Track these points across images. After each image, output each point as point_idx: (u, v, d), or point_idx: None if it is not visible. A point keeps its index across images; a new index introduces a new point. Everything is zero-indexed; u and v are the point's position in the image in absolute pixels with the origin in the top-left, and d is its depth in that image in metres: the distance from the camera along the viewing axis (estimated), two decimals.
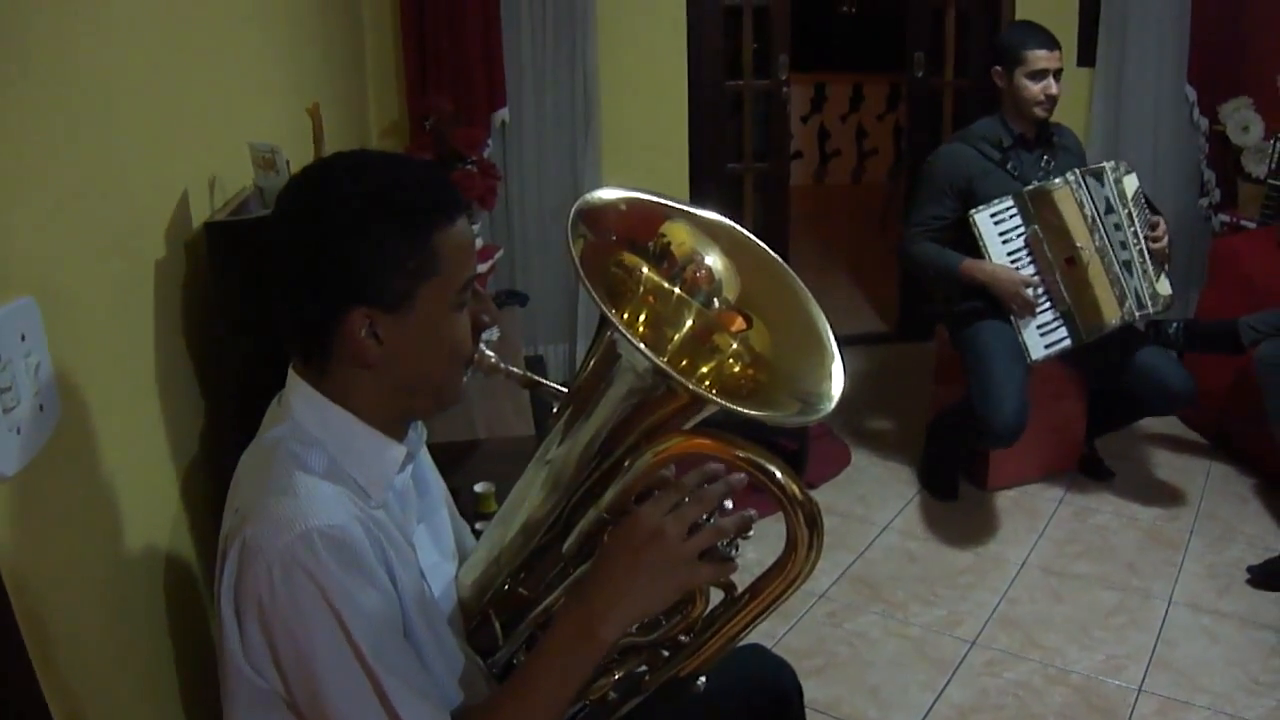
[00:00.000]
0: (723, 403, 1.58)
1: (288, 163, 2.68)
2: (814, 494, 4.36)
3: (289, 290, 1.67)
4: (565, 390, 1.78)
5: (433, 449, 2.08)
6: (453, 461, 3.02)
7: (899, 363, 6.90)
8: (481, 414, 3.19)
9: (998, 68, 4.75)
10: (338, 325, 1.63)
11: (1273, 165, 5.75)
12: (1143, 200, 4.66)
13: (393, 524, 1.74)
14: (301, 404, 1.71)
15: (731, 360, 1.82)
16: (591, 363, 1.69)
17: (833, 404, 1.67)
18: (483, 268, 4.68)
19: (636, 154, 6.10)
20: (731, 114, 6.78)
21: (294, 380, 1.74)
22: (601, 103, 5.91)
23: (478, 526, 2.08)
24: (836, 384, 1.70)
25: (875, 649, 3.99)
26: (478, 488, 2.92)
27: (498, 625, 1.95)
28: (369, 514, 1.67)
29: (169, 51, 2.39)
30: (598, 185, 5.55)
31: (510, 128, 5.80)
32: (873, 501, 5.10)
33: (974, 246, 4.54)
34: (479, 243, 4.78)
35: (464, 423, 3.14)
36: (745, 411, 1.60)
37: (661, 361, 1.55)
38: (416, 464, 1.93)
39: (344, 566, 1.55)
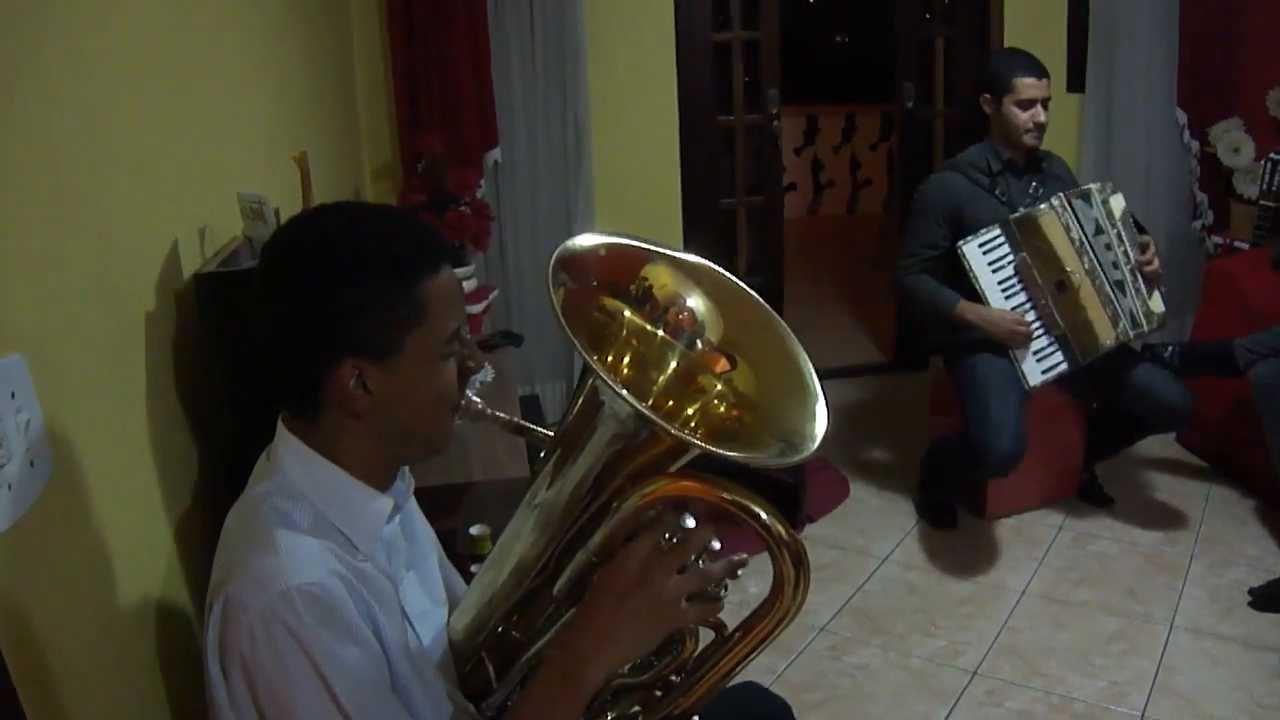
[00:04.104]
0: (705, 446, 1.58)
1: (276, 212, 2.69)
2: (813, 527, 4.39)
3: (276, 343, 1.67)
4: (552, 435, 1.79)
5: (428, 492, 2.08)
6: (448, 504, 3.02)
7: (896, 393, 6.92)
8: (476, 456, 3.19)
9: (986, 95, 4.76)
10: (326, 377, 1.64)
11: (1264, 186, 5.75)
12: (1131, 220, 4.67)
13: (379, 574, 1.74)
14: (289, 457, 1.72)
15: (716, 401, 1.83)
16: (576, 407, 1.70)
17: (815, 444, 1.68)
18: (478, 308, 4.69)
19: (629, 191, 6.13)
20: (724, 149, 6.80)
21: (282, 433, 1.74)
22: (593, 141, 5.93)
23: (473, 569, 2.08)
24: (820, 424, 1.71)
25: (876, 681, 3.98)
26: (473, 530, 2.92)
27: (491, 668, 1.95)
28: (353, 567, 1.67)
29: (158, 103, 2.41)
30: (591, 223, 5.61)
31: (503, 168, 5.82)
32: (872, 533, 5.09)
33: (966, 276, 4.55)
34: (473, 283, 4.79)
35: (459, 465, 3.14)
36: (727, 454, 1.61)
37: (644, 407, 1.56)
38: (407, 512, 1.94)
39: (325, 624, 1.56)
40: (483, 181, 5.64)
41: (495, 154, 5.75)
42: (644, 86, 6.12)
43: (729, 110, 6.69)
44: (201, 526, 2.42)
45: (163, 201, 2.41)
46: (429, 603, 1.99)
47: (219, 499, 1.77)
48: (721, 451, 1.60)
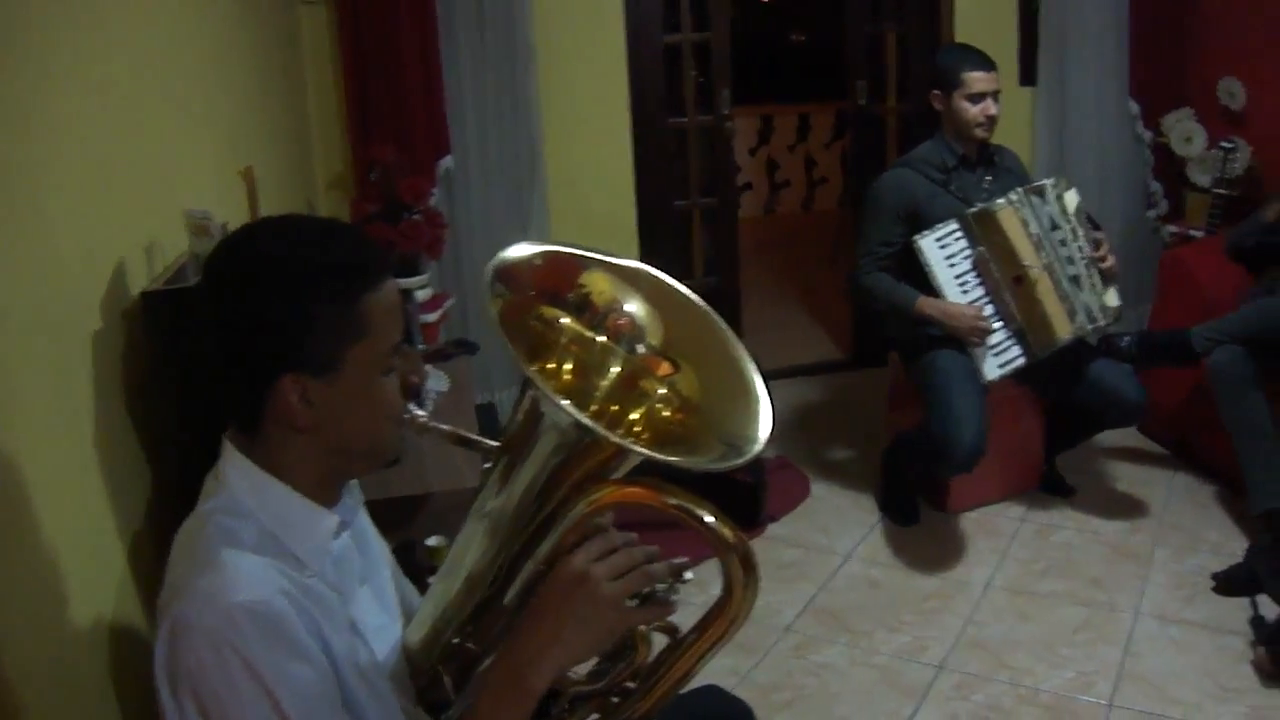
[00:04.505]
0: (646, 452, 1.58)
1: (223, 227, 2.68)
2: (775, 526, 4.40)
3: (218, 359, 1.67)
4: (497, 445, 1.78)
5: (385, 504, 2.08)
6: (404, 516, 3.01)
7: (855, 390, 6.92)
8: (432, 467, 3.17)
9: (936, 91, 4.77)
10: (269, 392, 1.63)
11: (1217, 175, 5.81)
12: (1085, 216, 4.69)
13: (326, 590, 1.73)
14: (234, 474, 1.71)
15: (660, 405, 1.82)
16: (518, 417, 1.69)
17: (759, 446, 1.68)
18: (433, 317, 4.68)
19: (583, 195, 6.11)
20: (677, 151, 6.79)
21: (228, 450, 1.73)
22: (546, 146, 5.91)
23: (431, 581, 2.07)
24: (763, 425, 1.71)
25: (843, 680, 3.98)
26: (431, 541, 2.90)
27: (448, 681, 1.94)
28: (300, 583, 1.65)
29: (102, 120, 2.40)
30: (545, 228, 5.58)
31: (455, 175, 5.78)
32: (834, 531, 5.09)
33: (923, 271, 4.56)
34: (428, 292, 4.77)
35: (415, 476, 3.12)
36: (668, 459, 1.60)
37: (583, 416, 1.56)
38: (358, 526, 1.93)
39: (270, 641, 1.54)
40: (435, 189, 5.61)
41: (448, 161, 5.71)
42: (596, 90, 6.11)
43: (682, 112, 6.68)
44: (155, 545, 2.40)
45: (108, 219, 2.40)
46: (384, 617, 1.98)
47: (173, 517, 1.76)
48: (661, 457, 1.60)
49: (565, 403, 1.56)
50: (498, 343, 1.60)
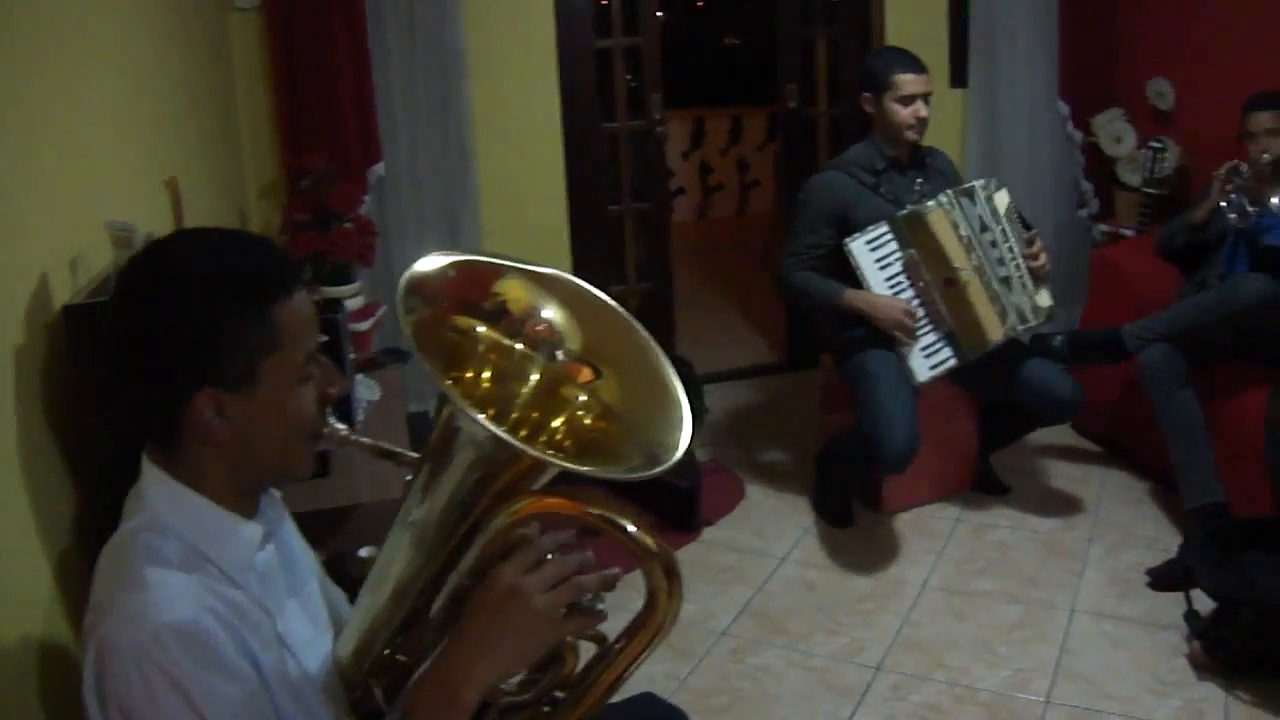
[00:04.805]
0: (563, 464, 1.59)
1: (146, 239, 2.65)
2: (710, 530, 4.38)
3: (132, 376, 1.65)
4: (418, 456, 1.76)
5: (315, 515, 2.05)
6: (335, 527, 2.98)
7: (789, 393, 6.92)
8: (364, 476, 3.15)
9: (866, 94, 4.78)
10: (184, 408, 1.62)
11: (1146, 174, 5.86)
12: (1016, 216, 4.71)
13: (253, 605, 1.71)
14: (155, 491, 1.69)
15: (581, 412, 1.82)
16: (437, 428, 1.68)
17: (679, 454, 1.68)
18: (365, 325, 4.64)
19: (515, 201, 6.07)
20: (609, 156, 6.77)
21: (148, 466, 1.71)
22: (478, 152, 5.87)
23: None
24: (684, 433, 1.71)
25: (780, 683, 3.97)
26: (363, 552, 2.87)
27: (379, 693, 1.92)
28: (226, 598, 1.64)
29: (26, 131, 2.36)
30: (477, 234, 5.55)
31: (387, 181, 5.75)
32: (769, 534, 5.09)
33: (854, 274, 4.56)
34: (360, 300, 4.74)
35: (345, 486, 3.10)
36: (585, 470, 1.60)
37: (499, 429, 1.56)
38: (283, 538, 1.91)
39: (198, 662, 1.53)
40: (367, 196, 5.57)
41: (379, 168, 5.67)
42: (527, 95, 6.08)
43: (613, 117, 6.67)
44: (83, 564, 2.36)
45: (31, 231, 2.37)
46: (313, 629, 1.96)
47: (101, 534, 1.73)
48: (578, 468, 1.60)
49: (481, 417, 1.55)
50: None
